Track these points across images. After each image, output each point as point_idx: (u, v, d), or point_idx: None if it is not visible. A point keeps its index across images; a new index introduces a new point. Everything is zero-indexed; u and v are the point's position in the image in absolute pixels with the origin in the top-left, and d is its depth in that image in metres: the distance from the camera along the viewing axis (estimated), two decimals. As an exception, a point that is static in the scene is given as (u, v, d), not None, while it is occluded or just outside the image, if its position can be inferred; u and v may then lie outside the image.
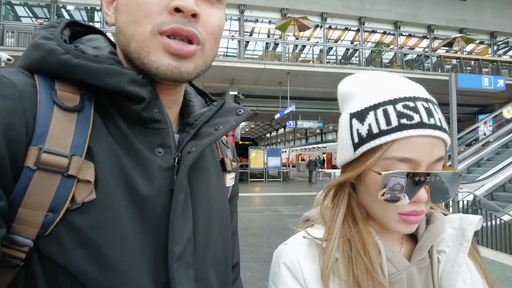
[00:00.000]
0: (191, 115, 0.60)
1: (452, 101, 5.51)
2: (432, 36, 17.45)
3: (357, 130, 0.59)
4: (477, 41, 17.62)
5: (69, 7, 14.56)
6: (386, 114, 0.56)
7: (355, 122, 0.59)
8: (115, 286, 0.42)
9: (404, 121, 0.54)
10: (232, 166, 0.70)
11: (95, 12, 14.74)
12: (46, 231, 0.40)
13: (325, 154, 29.64)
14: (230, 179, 0.69)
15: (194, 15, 0.47)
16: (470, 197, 6.43)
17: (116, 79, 0.45)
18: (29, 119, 0.40)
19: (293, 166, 33.57)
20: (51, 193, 0.40)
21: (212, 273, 0.55)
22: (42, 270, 0.41)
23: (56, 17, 14.03)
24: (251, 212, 8.42)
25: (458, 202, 5.99)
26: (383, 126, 0.55)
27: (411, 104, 0.55)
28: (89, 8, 14.65)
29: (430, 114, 0.55)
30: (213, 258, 0.56)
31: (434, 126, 0.54)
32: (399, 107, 0.55)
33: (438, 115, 0.56)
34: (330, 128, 37.17)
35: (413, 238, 0.66)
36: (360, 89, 0.62)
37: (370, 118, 0.57)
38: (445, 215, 0.66)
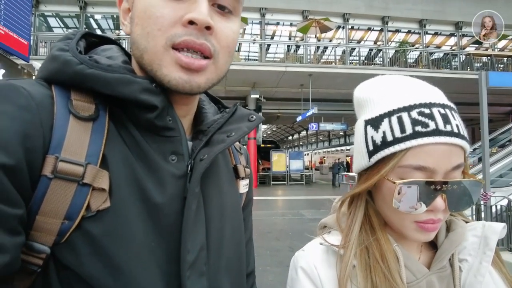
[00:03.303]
0: (203, 123, 0.60)
1: (482, 101, 5.27)
2: (460, 34, 16.77)
3: (372, 137, 0.58)
4: (510, 37, 16.75)
5: (96, 17, 15.16)
6: (400, 121, 0.55)
7: (369, 129, 0.59)
8: None
9: (419, 128, 0.53)
10: (245, 172, 0.70)
11: (121, 21, 15.27)
12: (62, 238, 0.41)
13: (349, 157, 29.13)
14: (243, 186, 0.69)
15: (208, 28, 0.48)
16: (504, 202, 6.10)
17: (129, 88, 0.46)
18: (46, 129, 0.41)
19: (316, 169, 33.20)
20: (67, 201, 0.41)
21: (225, 282, 0.55)
22: (58, 277, 0.42)
23: (85, 26, 14.65)
24: (273, 216, 8.40)
25: (491, 207, 5.70)
26: (398, 134, 0.54)
27: (427, 110, 0.54)
28: (115, 16, 15.19)
29: (446, 120, 0.53)
30: (227, 266, 0.56)
31: (450, 133, 0.52)
32: (414, 114, 0.54)
33: (455, 121, 0.54)
34: (354, 129, 36.46)
35: (433, 246, 0.64)
36: (375, 95, 0.61)
37: (385, 125, 0.57)
38: (467, 222, 0.64)
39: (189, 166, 0.52)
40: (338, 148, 36.42)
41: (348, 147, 31.92)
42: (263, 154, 18.71)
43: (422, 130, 0.53)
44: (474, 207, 5.39)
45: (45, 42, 13.40)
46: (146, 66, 0.49)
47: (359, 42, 17.88)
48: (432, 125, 0.53)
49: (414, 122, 0.54)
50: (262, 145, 19.40)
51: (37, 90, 0.44)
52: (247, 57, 17.62)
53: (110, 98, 0.48)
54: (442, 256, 0.60)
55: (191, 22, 0.47)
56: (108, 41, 0.60)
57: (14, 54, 5.77)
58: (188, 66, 0.48)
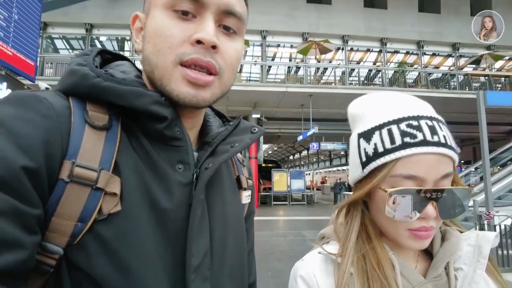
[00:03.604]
0: (208, 134, 0.64)
1: (481, 120, 5.31)
2: (457, 54, 17.08)
3: (364, 149, 0.61)
4: (507, 58, 17.02)
5: (102, 38, 15.60)
6: (390, 133, 0.58)
7: (362, 141, 0.62)
8: None
9: (407, 139, 0.56)
10: (247, 183, 0.73)
11: (125, 42, 15.67)
12: (75, 240, 0.44)
13: (351, 176, 28.78)
14: (246, 196, 0.71)
15: (213, 47, 0.52)
16: (508, 221, 6.02)
17: (141, 100, 0.50)
18: (64, 136, 0.45)
19: (317, 189, 32.94)
20: (81, 204, 0.44)
21: None
22: (70, 278, 0.44)
23: (90, 47, 14.95)
24: (275, 237, 8.28)
25: (495, 226, 5.62)
26: (388, 145, 0.58)
27: (415, 123, 0.58)
28: (119, 38, 15.61)
29: (434, 132, 0.57)
30: (229, 273, 0.57)
31: (438, 144, 0.56)
32: (403, 126, 0.58)
33: (443, 132, 0.58)
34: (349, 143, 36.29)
35: (429, 255, 0.66)
36: (367, 110, 0.65)
37: (376, 137, 0.60)
38: (461, 232, 0.66)
39: (195, 174, 0.55)
40: (340, 168, 36.29)
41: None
42: (265, 173, 18.60)
43: (411, 141, 0.56)
44: (478, 226, 5.32)
45: (51, 63, 13.70)
46: (156, 81, 0.53)
47: (358, 63, 18.20)
48: (420, 136, 0.56)
49: (403, 134, 0.57)
50: (263, 165, 19.31)
51: (57, 101, 0.48)
52: (248, 78, 17.91)
53: (122, 109, 0.51)
54: (438, 265, 0.61)
55: (198, 42, 0.51)
56: (121, 57, 0.65)
57: (21, 74, 5.92)
58: (195, 81, 0.52)
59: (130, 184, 0.48)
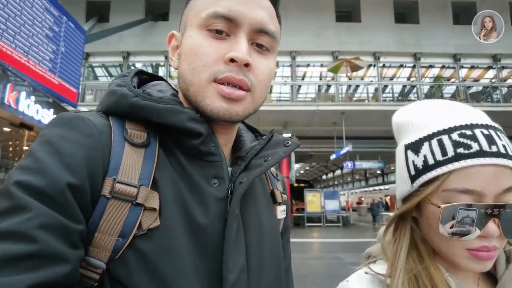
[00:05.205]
0: (242, 149, 0.64)
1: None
2: (499, 66, 16.19)
3: (413, 161, 0.57)
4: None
5: (137, 65, 16.58)
6: (441, 144, 0.54)
7: (410, 153, 0.58)
8: None
9: (461, 150, 0.52)
10: (282, 198, 0.71)
11: (159, 68, 16.51)
12: (116, 255, 0.45)
13: (388, 197, 27.70)
14: (281, 211, 0.70)
15: (246, 65, 0.53)
16: None
17: (177, 117, 0.52)
18: (105, 154, 0.47)
19: (353, 210, 31.71)
20: (122, 219, 0.45)
21: None
22: None
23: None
24: (309, 259, 8.01)
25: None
26: (439, 157, 0.53)
27: (468, 132, 0.53)
28: (154, 64, 16.48)
29: (491, 141, 0.51)
30: None
31: (497, 154, 0.50)
32: (455, 136, 0.53)
33: (502, 141, 0.52)
34: (392, 168, 34.87)
35: (492, 278, 0.58)
36: (414, 119, 0.61)
37: (425, 149, 0.56)
38: None
39: (230, 189, 0.55)
40: (376, 188, 34.92)
41: (386, 186, 30.48)
42: (297, 194, 18.21)
43: (465, 152, 0.51)
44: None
45: (91, 90, 14.72)
46: (191, 97, 0.55)
47: (391, 79, 17.75)
48: (475, 147, 0.51)
49: (456, 144, 0.53)
50: (296, 185, 18.97)
51: (98, 120, 0.50)
52: (278, 98, 18.02)
53: (160, 127, 0.53)
54: None
55: (232, 60, 0.53)
56: (157, 77, 0.68)
57: (65, 101, 6.46)
58: (229, 96, 0.53)
59: (168, 199, 0.49)
